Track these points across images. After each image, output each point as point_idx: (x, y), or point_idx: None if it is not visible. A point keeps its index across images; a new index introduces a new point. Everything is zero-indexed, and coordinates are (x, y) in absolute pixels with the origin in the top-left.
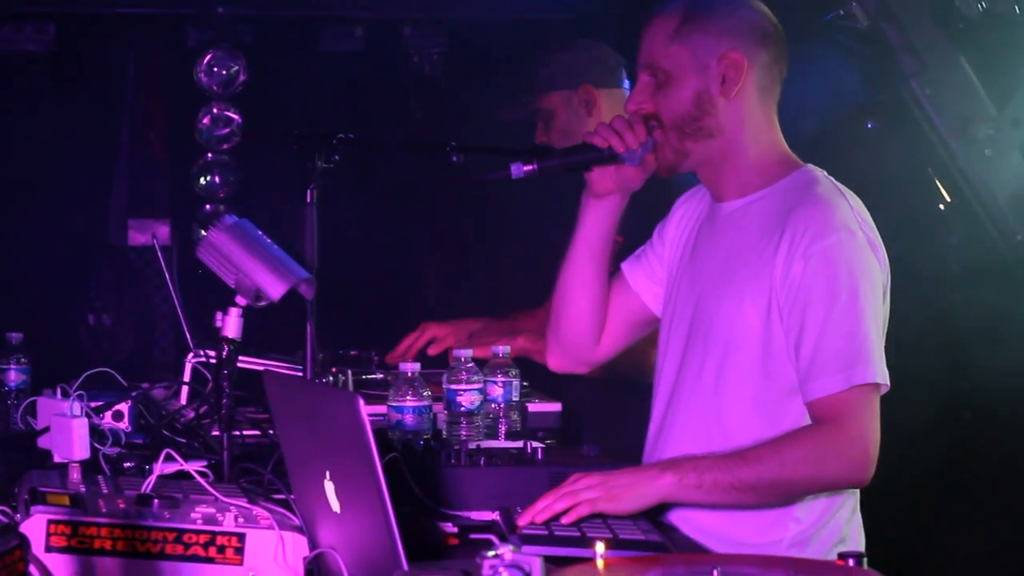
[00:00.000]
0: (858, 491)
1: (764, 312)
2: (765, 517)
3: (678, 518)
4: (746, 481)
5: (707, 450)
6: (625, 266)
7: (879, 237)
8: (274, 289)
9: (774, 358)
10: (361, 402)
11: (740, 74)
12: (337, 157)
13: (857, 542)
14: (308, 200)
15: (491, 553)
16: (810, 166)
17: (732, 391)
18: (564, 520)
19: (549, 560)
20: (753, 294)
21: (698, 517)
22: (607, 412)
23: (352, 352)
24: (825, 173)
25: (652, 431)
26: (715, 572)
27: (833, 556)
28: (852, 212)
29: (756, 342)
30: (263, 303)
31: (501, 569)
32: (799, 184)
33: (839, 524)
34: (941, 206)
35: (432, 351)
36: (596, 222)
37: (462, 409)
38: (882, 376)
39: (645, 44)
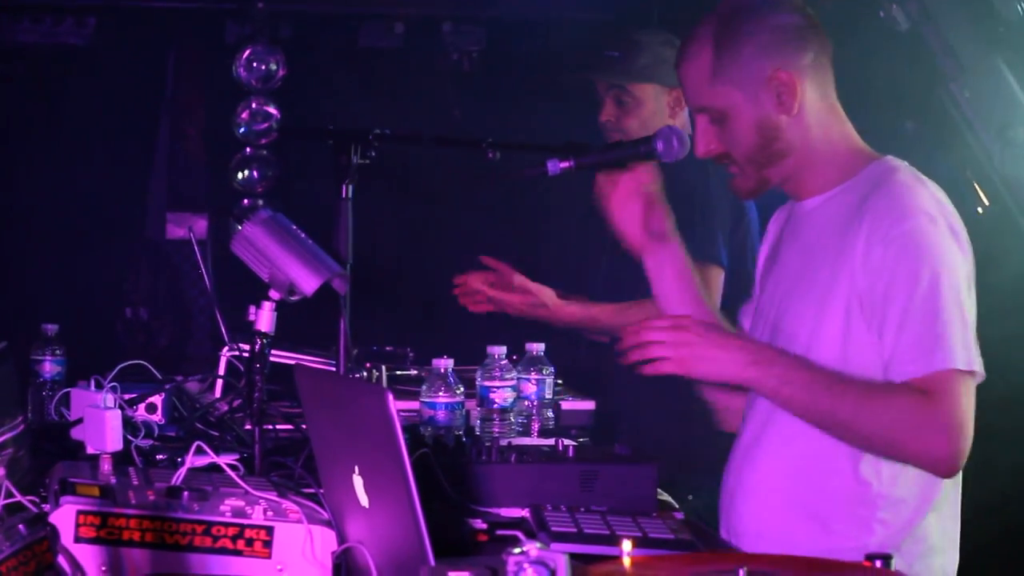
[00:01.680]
0: (954, 500)
1: (844, 307)
2: (850, 518)
3: (749, 527)
4: (822, 407)
5: (798, 462)
6: (741, 315)
7: (962, 225)
8: (307, 283)
9: (853, 352)
10: (390, 397)
11: (794, 89)
12: (373, 153)
13: (946, 551)
14: (343, 195)
15: (517, 550)
16: (889, 156)
17: None
18: (646, 369)
19: (578, 558)
20: (833, 291)
21: (772, 526)
22: (640, 411)
23: (387, 348)
24: (906, 164)
25: (747, 436)
26: (741, 572)
27: (921, 567)
28: (933, 198)
29: (836, 340)
30: (296, 297)
31: (526, 565)
32: (877, 174)
33: (927, 531)
34: (979, 210)
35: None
36: (660, 268)
37: (495, 406)
38: (965, 362)
39: (689, 88)
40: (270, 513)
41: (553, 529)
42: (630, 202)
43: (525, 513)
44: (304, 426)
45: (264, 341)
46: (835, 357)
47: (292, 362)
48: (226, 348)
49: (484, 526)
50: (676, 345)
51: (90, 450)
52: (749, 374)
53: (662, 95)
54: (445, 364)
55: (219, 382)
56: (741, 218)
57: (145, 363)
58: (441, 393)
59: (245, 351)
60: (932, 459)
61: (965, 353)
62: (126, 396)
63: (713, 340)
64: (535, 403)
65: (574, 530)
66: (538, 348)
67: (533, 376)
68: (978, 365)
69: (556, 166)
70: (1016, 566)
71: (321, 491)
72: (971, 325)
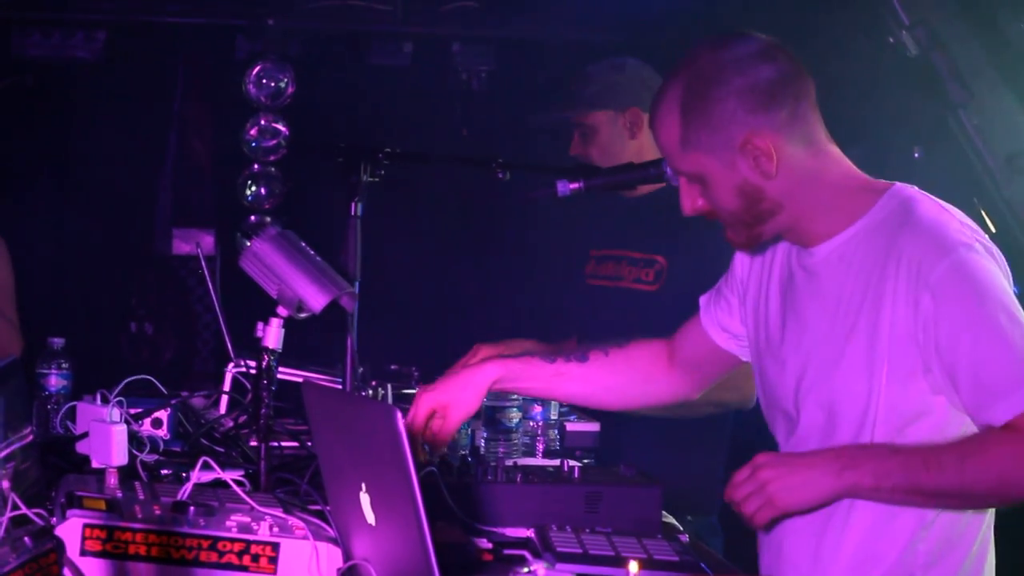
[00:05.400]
0: (988, 524)
1: (879, 363)
2: (878, 542)
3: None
4: (927, 488)
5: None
6: (702, 303)
7: (993, 244)
8: (316, 300)
9: (915, 407)
10: (399, 415)
11: (771, 154)
12: (382, 171)
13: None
14: (352, 213)
15: (525, 569)
16: (898, 185)
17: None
18: (757, 521)
19: None
20: (878, 350)
21: (792, 550)
22: (644, 433)
23: (392, 366)
24: (918, 189)
25: None
26: None
27: None
28: (962, 224)
29: (896, 402)
30: (304, 314)
31: None
32: (895, 208)
33: (963, 555)
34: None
35: None
36: None
37: (501, 426)
38: None
39: (662, 150)
40: (276, 529)
41: (558, 550)
42: None
43: (530, 533)
44: (310, 443)
45: (271, 357)
46: (899, 421)
47: (298, 379)
48: (231, 364)
49: (489, 545)
50: (763, 491)
51: (95, 464)
52: (844, 482)
53: (617, 119)
54: None
55: (224, 398)
56: None
57: (151, 378)
58: None
59: (250, 367)
60: None
61: None
62: (132, 411)
63: (794, 466)
64: (540, 424)
65: (579, 551)
66: None
67: None
68: None
69: (566, 187)
70: None
71: (327, 508)
72: None
